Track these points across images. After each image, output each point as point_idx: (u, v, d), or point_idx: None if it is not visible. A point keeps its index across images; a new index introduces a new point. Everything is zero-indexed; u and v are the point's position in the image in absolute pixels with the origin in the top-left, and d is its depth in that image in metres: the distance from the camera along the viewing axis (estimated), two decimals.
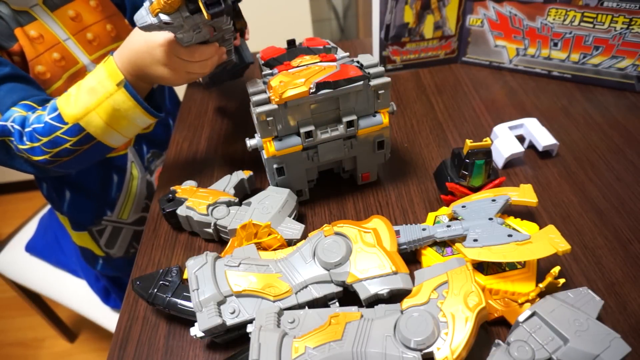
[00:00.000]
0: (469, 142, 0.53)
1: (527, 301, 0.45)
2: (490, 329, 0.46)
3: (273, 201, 0.56)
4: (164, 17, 0.44)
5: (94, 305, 0.99)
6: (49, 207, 1.11)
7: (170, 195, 0.59)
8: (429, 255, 0.50)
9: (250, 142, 0.56)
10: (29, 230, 1.12)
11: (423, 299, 0.41)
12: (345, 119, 0.53)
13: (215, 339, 0.46)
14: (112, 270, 0.85)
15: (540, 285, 0.44)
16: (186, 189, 0.60)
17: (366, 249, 0.46)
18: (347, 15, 1.91)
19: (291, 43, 0.60)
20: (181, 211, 0.57)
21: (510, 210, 0.56)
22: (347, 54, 0.57)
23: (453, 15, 0.82)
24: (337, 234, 0.48)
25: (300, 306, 0.45)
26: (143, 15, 0.45)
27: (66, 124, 0.52)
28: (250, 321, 0.44)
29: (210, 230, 0.56)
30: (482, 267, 0.48)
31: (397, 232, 0.50)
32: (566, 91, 0.79)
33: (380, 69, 0.53)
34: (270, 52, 0.59)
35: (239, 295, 0.45)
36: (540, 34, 0.78)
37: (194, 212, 0.56)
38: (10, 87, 0.55)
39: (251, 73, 0.95)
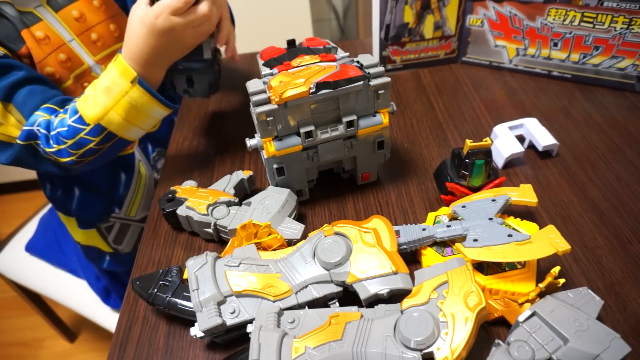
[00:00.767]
0: (469, 142, 0.53)
1: (527, 301, 0.45)
2: (490, 329, 0.46)
3: (273, 201, 0.56)
4: None
5: (94, 305, 0.99)
6: (49, 207, 1.11)
7: (170, 195, 0.59)
8: (429, 255, 0.50)
9: (250, 142, 0.56)
10: (29, 230, 1.12)
11: (423, 299, 0.41)
12: (345, 119, 0.53)
13: (215, 339, 0.46)
14: (120, 266, 0.85)
15: (540, 285, 0.44)
16: (186, 189, 0.60)
17: (366, 249, 0.46)
18: (347, 15, 1.91)
19: (291, 43, 0.60)
20: (181, 211, 0.57)
21: (510, 210, 0.56)
22: (347, 54, 0.57)
23: (453, 15, 0.82)
24: (337, 234, 0.48)
25: (300, 306, 0.45)
26: None
27: (88, 125, 0.54)
28: (250, 321, 0.44)
29: (210, 230, 0.56)
30: (482, 267, 0.48)
31: (397, 232, 0.50)
32: (566, 91, 0.79)
33: (380, 69, 0.53)
34: (270, 52, 0.59)
35: (239, 295, 0.45)
36: (540, 34, 0.78)
37: (194, 212, 0.56)
38: (29, 90, 0.56)
39: (251, 73, 0.95)
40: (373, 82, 0.53)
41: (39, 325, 1.45)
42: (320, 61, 0.54)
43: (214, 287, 0.45)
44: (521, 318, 0.40)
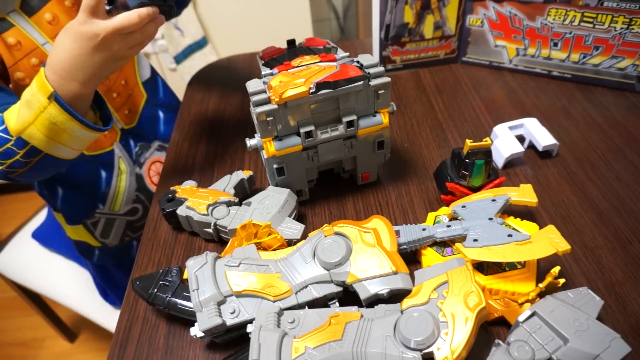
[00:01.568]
0: (469, 142, 0.53)
1: (527, 301, 0.45)
2: (490, 329, 0.46)
3: (273, 201, 0.56)
4: None
5: (94, 305, 0.99)
6: None
7: (170, 195, 0.59)
8: (429, 255, 0.50)
9: (250, 142, 0.56)
10: (29, 230, 1.12)
11: (423, 299, 0.41)
12: (345, 119, 0.53)
13: (215, 339, 0.46)
14: (109, 260, 0.86)
15: (540, 285, 0.44)
16: (186, 189, 0.60)
17: (366, 249, 0.46)
18: (347, 15, 1.91)
19: (291, 43, 0.60)
20: (181, 211, 0.57)
21: (510, 210, 0.56)
22: (347, 54, 0.57)
23: (453, 15, 0.82)
24: (337, 234, 0.48)
25: (300, 306, 0.45)
26: None
27: (12, 137, 0.52)
28: (250, 321, 0.44)
29: (210, 230, 0.56)
30: (482, 267, 0.48)
31: (397, 232, 0.50)
32: (566, 91, 0.79)
33: (380, 69, 0.53)
34: (270, 52, 0.59)
35: (239, 295, 0.45)
36: (540, 34, 0.78)
37: (194, 212, 0.56)
38: None
39: (251, 73, 0.95)
40: (373, 82, 0.53)
41: (39, 325, 1.45)
42: (320, 61, 0.54)
43: (214, 287, 0.45)
44: (521, 318, 0.40)
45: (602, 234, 0.54)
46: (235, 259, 0.48)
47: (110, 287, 0.93)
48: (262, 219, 0.53)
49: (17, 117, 0.51)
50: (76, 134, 0.53)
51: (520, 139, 0.67)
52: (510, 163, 0.65)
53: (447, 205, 0.56)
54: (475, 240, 0.47)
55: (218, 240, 0.58)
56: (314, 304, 0.45)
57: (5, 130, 0.51)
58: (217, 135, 0.78)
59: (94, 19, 0.47)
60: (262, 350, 0.39)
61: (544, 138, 0.65)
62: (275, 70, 0.54)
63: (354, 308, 0.43)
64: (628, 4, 0.69)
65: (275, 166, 0.56)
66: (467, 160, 0.54)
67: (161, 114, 0.85)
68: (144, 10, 0.50)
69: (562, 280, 0.45)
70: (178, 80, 1.64)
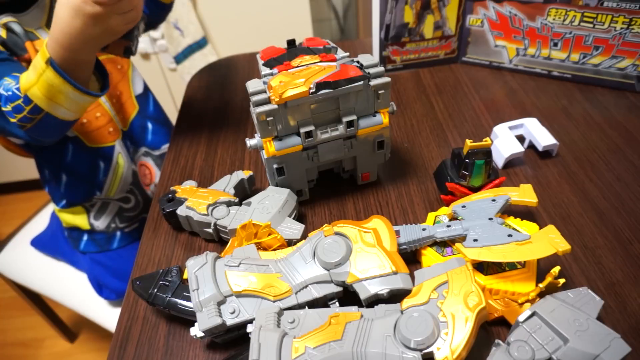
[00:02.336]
0: (469, 142, 0.53)
1: (527, 301, 0.45)
2: (490, 329, 0.46)
3: (273, 201, 0.56)
4: None
5: (94, 305, 0.99)
6: (52, 206, 1.11)
7: (170, 195, 0.59)
8: (429, 255, 0.50)
9: (250, 142, 0.56)
10: (29, 230, 1.12)
11: (423, 299, 0.41)
12: (345, 119, 0.53)
13: (215, 339, 0.46)
14: (95, 246, 0.93)
15: (540, 285, 0.44)
16: (186, 189, 0.60)
17: (366, 249, 0.46)
18: (347, 15, 1.91)
19: (291, 43, 0.60)
20: (181, 211, 0.57)
21: (510, 210, 0.56)
22: (347, 54, 0.57)
23: (453, 15, 0.82)
24: (337, 234, 0.48)
25: (300, 306, 0.45)
26: None
27: (21, 94, 0.60)
28: (250, 321, 0.44)
29: (210, 230, 0.56)
30: (482, 267, 0.48)
31: (397, 232, 0.50)
32: (566, 91, 0.79)
33: (380, 69, 0.53)
34: (270, 52, 0.59)
35: (239, 295, 0.45)
36: (540, 34, 0.78)
37: (194, 212, 0.56)
38: (5, 64, 0.65)
39: (251, 73, 0.95)
40: (373, 82, 0.53)
41: (39, 325, 1.45)
42: (320, 61, 0.54)
43: (214, 287, 0.45)
44: (521, 318, 0.40)
45: (602, 234, 0.54)
46: (235, 259, 0.48)
47: (103, 279, 0.94)
48: (262, 219, 0.53)
49: (26, 77, 0.59)
50: (69, 96, 0.60)
51: (520, 139, 0.67)
52: (510, 163, 0.65)
53: (447, 205, 0.56)
54: (475, 240, 0.47)
55: (218, 240, 0.58)
56: (314, 304, 0.45)
57: (18, 89, 0.60)
58: (217, 135, 0.78)
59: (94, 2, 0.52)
60: (262, 350, 0.39)
61: (544, 138, 0.65)
62: (275, 70, 0.54)
63: (354, 308, 0.43)
64: (628, 4, 0.69)
65: (275, 166, 0.56)
66: (467, 160, 0.54)
67: (150, 125, 0.93)
68: None
69: (562, 280, 0.45)
70: (178, 80, 1.64)
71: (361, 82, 0.51)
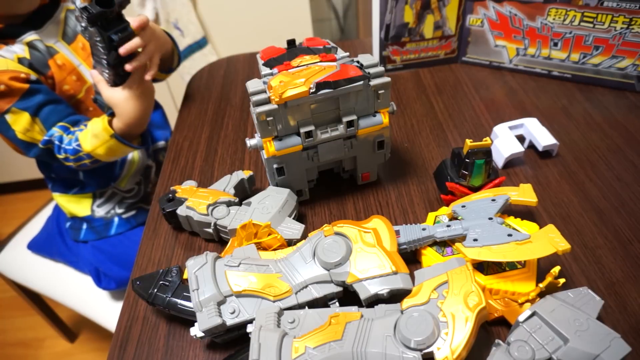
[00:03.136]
0: (469, 142, 0.53)
1: (527, 301, 0.45)
2: (490, 329, 0.46)
3: (273, 201, 0.56)
4: None
5: (94, 305, 0.99)
6: (51, 207, 1.11)
7: (170, 195, 0.59)
8: (429, 255, 0.50)
9: (250, 142, 0.56)
10: (29, 230, 1.12)
11: (423, 299, 0.41)
12: (345, 119, 0.53)
13: (215, 339, 0.46)
14: (93, 234, 0.96)
15: (540, 285, 0.44)
16: (186, 189, 0.60)
17: (366, 249, 0.46)
18: (347, 15, 1.91)
19: (291, 43, 0.60)
20: (181, 211, 0.57)
21: (510, 210, 0.56)
22: (347, 54, 0.57)
23: (453, 15, 0.82)
24: (337, 234, 0.48)
25: (300, 306, 0.45)
26: None
27: (84, 152, 0.76)
28: (250, 321, 0.44)
29: (210, 230, 0.56)
30: (482, 267, 0.48)
31: (397, 232, 0.50)
32: (566, 91, 0.79)
33: (380, 68, 0.53)
34: (270, 52, 0.59)
35: (239, 295, 0.45)
36: (540, 34, 0.78)
37: (194, 212, 0.56)
38: (50, 109, 0.76)
39: (251, 73, 0.95)
40: (373, 82, 0.53)
41: (39, 325, 1.45)
42: (320, 61, 0.54)
43: (214, 287, 0.45)
44: (521, 318, 0.40)
45: (602, 234, 0.54)
46: (235, 259, 0.48)
47: (103, 266, 0.95)
48: (262, 219, 0.53)
49: (89, 142, 0.75)
50: (125, 152, 0.81)
51: (520, 138, 0.67)
52: (510, 163, 0.65)
53: (447, 205, 0.56)
54: (475, 240, 0.47)
55: (218, 240, 0.58)
56: (314, 304, 0.45)
57: (79, 146, 0.76)
58: (217, 135, 0.78)
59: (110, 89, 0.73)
60: (262, 350, 0.39)
61: (544, 138, 0.65)
62: (275, 70, 0.54)
63: (354, 308, 0.43)
64: (628, 3, 0.69)
65: (275, 166, 0.56)
66: (467, 160, 0.54)
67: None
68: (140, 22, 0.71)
69: (562, 280, 0.45)
70: (178, 80, 1.64)
71: (361, 82, 0.51)
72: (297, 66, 0.53)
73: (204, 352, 0.47)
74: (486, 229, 0.48)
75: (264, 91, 0.51)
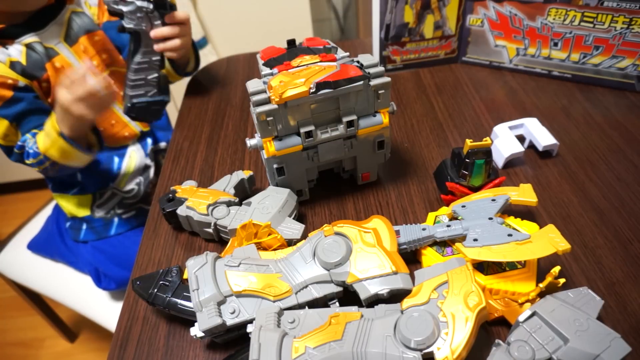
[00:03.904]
0: (469, 142, 0.53)
1: (527, 301, 0.45)
2: (490, 329, 0.46)
3: (273, 201, 0.56)
4: None
5: (94, 305, 0.99)
6: (51, 207, 1.11)
7: (170, 195, 0.59)
8: (429, 255, 0.50)
9: (250, 142, 0.56)
10: (29, 230, 1.12)
11: (423, 299, 0.41)
12: (345, 119, 0.53)
13: (215, 339, 0.46)
14: (93, 234, 0.96)
15: (541, 285, 0.44)
16: (186, 189, 0.60)
17: (366, 249, 0.46)
18: (347, 15, 1.91)
19: (291, 43, 0.60)
20: (181, 211, 0.57)
21: (510, 210, 0.56)
22: (347, 54, 0.57)
23: (453, 15, 0.82)
24: (337, 234, 0.48)
25: (300, 306, 0.45)
26: None
27: (41, 154, 0.75)
28: (250, 321, 0.44)
29: (210, 230, 0.56)
30: (482, 267, 0.48)
31: (397, 232, 0.50)
32: (566, 91, 0.79)
33: (380, 68, 0.53)
34: (270, 52, 0.59)
35: (239, 295, 0.45)
36: (540, 34, 0.78)
37: (194, 212, 0.56)
38: (29, 119, 0.77)
39: (251, 73, 0.95)
40: (373, 82, 0.53)
41: (39, 325, 1.45)
42: (320, 61, 0.54)
43: (214, 287, 0.45)
44: (521, 318, 0.40)
45: (602, 234, 0.54)
46: (235, 259, 0.48)
47: (103, 266, 0.96)
48: (262, 219, 0.53)
49: (42, 142, 0.74)
50: (78, 155, 0.77)
51: (520, 138, 0.67)
52: (510, 163, 0.65)
53: (447, 205, 0.56)
54: (475, 240, 0.47)
55: (218, 240, 0.58)
56: (314, 304, 0.45)
57: (37, 148, 0.75)
58: (217, 135, 0.78)
59: (63, 90, 0.68)
60: (262, 350, 0.39)
61: (544, 138, 0.65)
62: (275, 70, 0.54)
63: (354, 308, 0.43)
64: (628, 3, 0.69)
65: (275, 166, 0.56)
66: (467, 160, 0.54)
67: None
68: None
69: (562, 280, 0.45)
70: (178, 80, 1.64)
71: (361, 82, 0.51)
72: (297, 66, 0.53)
73: (204, 352, 0.47)
74: (486, 229, 0.48)
75: (264, 91, 0.51)
